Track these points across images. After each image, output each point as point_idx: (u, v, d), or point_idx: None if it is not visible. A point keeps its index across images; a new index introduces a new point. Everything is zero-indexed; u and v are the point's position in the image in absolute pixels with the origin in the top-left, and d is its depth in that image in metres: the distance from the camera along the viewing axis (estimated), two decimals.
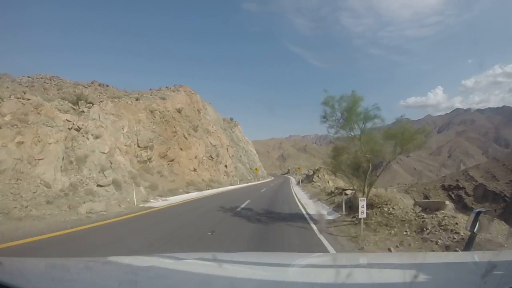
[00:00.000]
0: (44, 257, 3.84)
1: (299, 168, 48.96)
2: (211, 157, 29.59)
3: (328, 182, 30.82)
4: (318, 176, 33.15)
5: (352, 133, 9.24)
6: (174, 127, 24.46)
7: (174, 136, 23.76)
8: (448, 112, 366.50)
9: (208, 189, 22.57)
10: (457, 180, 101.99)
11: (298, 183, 40.86)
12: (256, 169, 46.20)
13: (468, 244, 1.98)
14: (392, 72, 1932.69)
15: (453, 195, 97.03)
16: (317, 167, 38.41)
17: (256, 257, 2.25)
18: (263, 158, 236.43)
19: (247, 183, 39.17)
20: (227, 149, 38.08)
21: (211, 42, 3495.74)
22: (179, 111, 31.56)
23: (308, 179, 36.65)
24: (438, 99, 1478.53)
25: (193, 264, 1.63)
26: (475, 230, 1.83)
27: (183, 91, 37.24)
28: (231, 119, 66.34)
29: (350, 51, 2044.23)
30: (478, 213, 1.85)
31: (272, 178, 76.24)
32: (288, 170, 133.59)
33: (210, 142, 31.32)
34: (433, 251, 5.58)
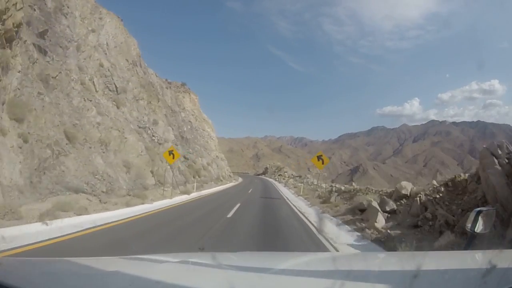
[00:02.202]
0: (44, 257, 3.42)
1: (321, 161, 16.49)
2: None
3: None
4: None
5: None
6: None
7: None
8: (423, 123, 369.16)
9: None
10: None
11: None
12: (170, 153, 14.91)
13: (468, 243, 1.96)
14: (370, 81, 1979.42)
15: None
16: None
17: (255, 257, 2.21)
18: (237, 157, 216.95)
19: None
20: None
21: (186, 39, 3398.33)
22: None
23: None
24: (413, 110, 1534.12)
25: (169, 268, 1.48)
26: (475, 230, 1.78)
27: None
28: (183, 84, 44.52)
29: (330, 57, 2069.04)
30: (479, 212, 1.81)
31: (239, 181, 45.00)
32: (266, 169, 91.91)
33: None
34: None
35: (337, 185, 24.47)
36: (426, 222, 6.91)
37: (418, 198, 7.92)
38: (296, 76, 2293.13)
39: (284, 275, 1.40)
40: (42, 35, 11.75)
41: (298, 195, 21.75)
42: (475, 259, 1.57)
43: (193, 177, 23.43)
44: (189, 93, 42.50)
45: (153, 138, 19.87)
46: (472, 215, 1.81)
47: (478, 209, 1.87)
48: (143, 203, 11.01)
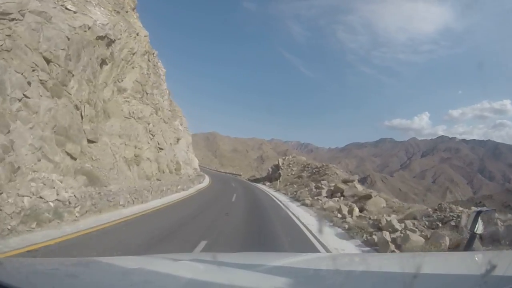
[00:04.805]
0: (43, 257, 3.70)
1: None
2: None
3: None
4: None
5: None
6: None
7: None
8: (433, 138, 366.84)
9: None
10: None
11: None
12: None
13: (468, 244, 1.91)
14: (380, 92, 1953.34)
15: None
16: None
17: (255, 257, 2.24)
18: (241, 157, 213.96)
19: None
20: None
21: (194, 37, 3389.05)
22: None
23: None
24: (422, 125, 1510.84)
25: (185, 265, 1.60)
26: (475, 230, 1.75)
27: None
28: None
29: (342, 65, 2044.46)
30: (478, 213, 1.77)
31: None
32: (276, 167, 45.71)
33: None
34: None
35: None
36: None
37: None
38: (306, 81, 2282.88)
39: (284, 275, 1.38)
40: None
41: None
42: (475, 260, 1.55)
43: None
44: (133, 14, 21.33)
45: None
46: (472, 216, 1.78)
47: (478, 209, 1.83)
48: None
